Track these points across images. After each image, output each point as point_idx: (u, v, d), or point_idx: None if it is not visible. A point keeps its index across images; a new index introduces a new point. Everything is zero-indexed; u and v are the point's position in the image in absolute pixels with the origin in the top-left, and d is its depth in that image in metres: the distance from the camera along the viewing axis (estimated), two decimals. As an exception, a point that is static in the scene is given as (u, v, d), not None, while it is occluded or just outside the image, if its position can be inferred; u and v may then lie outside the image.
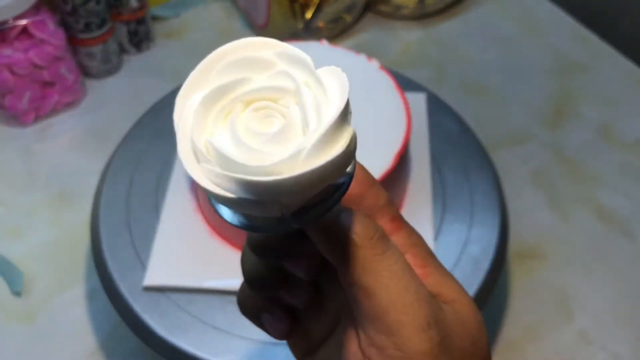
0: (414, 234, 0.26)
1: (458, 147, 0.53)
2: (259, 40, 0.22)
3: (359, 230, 0.23)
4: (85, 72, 0.67)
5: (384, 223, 0.25)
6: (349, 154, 0.20)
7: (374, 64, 0.49)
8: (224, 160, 0.19)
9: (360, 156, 0.44)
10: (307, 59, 0.22)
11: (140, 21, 0.67)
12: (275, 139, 0.19)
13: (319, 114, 0.20)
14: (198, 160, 0.20)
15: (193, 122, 0.21)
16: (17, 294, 0.51)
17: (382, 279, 0.22)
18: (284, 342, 0.28)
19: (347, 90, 0.20)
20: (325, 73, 0.21)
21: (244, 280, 0.27)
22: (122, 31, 0.67)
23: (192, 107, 0.21)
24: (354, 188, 0.23)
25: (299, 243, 0.24)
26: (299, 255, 0.25)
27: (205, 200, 0.47)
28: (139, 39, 0.69)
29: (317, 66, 0.22)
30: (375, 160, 0.43)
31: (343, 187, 0.22)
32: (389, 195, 0.26)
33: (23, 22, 0.56)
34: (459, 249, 0.46)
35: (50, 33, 0.58)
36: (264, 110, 0.21)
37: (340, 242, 0.23)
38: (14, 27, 0.56)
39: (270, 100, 0.21)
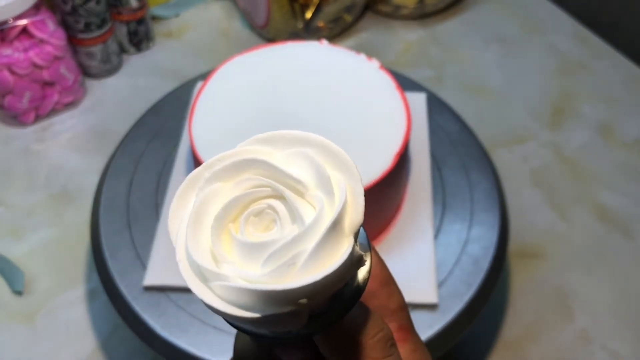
0: (420, 348, 0.24)
1: (458, 147, 0.53)
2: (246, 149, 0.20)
3: (361, 327, 0.21)
4: (86, 72, 0.67)
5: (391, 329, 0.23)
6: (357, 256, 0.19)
7: (374, 64, 0.49)
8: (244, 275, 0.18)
9: (361, 156, 0.44)
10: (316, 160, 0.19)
11: (140, 21, 0.67)
12: (281, 246, 0.18)
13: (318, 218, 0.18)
14: (205, 279, 0.18)
15: (197, 239, 0.19)
16: (18, 293, 0.51)
17: None
18: None
19: (342, 201, 0.18)
20: (336, 174, 0.20)
21: (233, 357, 0.25)
22: (122, 31, 0.67)
23: (201, 224, 0.19)
24: None
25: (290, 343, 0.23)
26: (294, 347, 0.23)
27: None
28: (139, 38, 0.69)
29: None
30: (375, 160, 0.43)
31: (357, 285, 0.20)
32: (404, 300, 0.24)
33: (23, 22, 0.56)
34: (459, 249, 0.46)
35: (50, 33, 0.58)
36: (261, 216, 0.20)
37: (340, 342, 0.21)
38: (14, 27, 0.56)
39: (266, 198, 0.20)
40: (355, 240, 0.19)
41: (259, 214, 0.19)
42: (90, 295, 0.51)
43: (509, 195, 0.53)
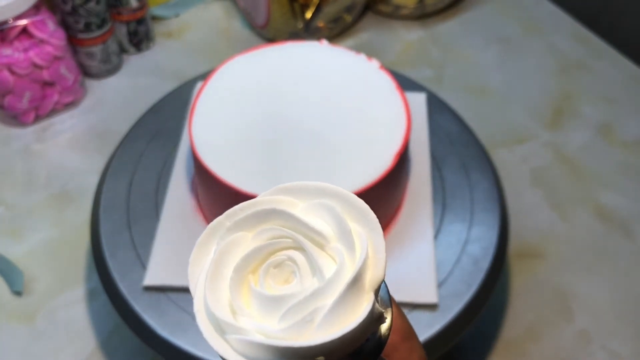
0: None
1: (458, 147, 0.53)
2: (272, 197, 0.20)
3: None
4: (86, 72, 0.67)
5: None
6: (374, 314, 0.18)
7: (374, 64, 0.49)
8: (259, 329, 0.18)
9: (361, 156, 0.44)
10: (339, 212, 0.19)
11: (140, 21, 0.67)
12: (299, 301, 0.18)
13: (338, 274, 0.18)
14: (222, 332, 0.18)
15: (214, 291, 0.19)
16: (18, 293, 0.51)
17: None
18: None
19: (363, 256, 0.18)
20: (359, 227, 0.19)
21: None
22: (122, 31, 0.67)
23: (221, 276, 0.19)
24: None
25: None
26: None
27: (205, 200, 0.47)
28: (139, 38, 0.69)
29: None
30: (375, 160, 0.43)
31: (377, 341, 0.20)
32: (424, 354, 0.24)
33: (23, 22, 0.56)
34: (459, 249, 0.46)
35: (50, 33, 0.58)
36: (281, 268, 0.19)
37: None
38: (14, 27, 0.56)
39: (287, 249, 0.20)
40: (376, 297, 0.18)
41: (278, 265, 0.19)
42: (90, 295, 0.51)
43: (509, 195, 0.53)
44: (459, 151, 0.52)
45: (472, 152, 0.52)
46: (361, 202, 0.19)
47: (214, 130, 0.45)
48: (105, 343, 0.49)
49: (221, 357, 0.18)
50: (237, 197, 0.41)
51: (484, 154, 0.53)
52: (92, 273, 0.52)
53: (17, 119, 0.62)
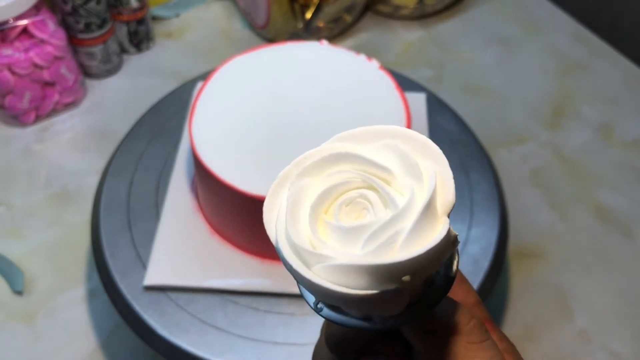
0: (506, 339, 0.24)
1: (458, 147, 0.53)
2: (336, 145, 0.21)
3: (454, 315, 0.21)
4: (86, 72, 0.67)
5: None
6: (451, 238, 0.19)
7: (374, 64, 0.49)
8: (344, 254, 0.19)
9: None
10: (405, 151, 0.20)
11: (141, 21, 0.67)
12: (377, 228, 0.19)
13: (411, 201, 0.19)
14: (309, 265, 0.19)
15: (296, 226, 0.20)
16: (18, 293, 0.51)
17: None
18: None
19: (433, 184, 0.19)
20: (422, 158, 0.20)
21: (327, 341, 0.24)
22: (123, 31, 0.67)
23: (298, 212, 0.20)
24: None
25: (380, 339, 0.23)
26: (380, 354, 0.23)
27: (205, 199, 0.47)
28: (139, 39, 0.69)
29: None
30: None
31: (447, 273, 0.21)
32: (479, 296, 0.25)
33: (23, 22, 0.56)
34: (459, 249, 0.46)
35: (51, 33, 0.58)
36: (353, 205, 0.20)
37: (433, 328, 0.21)
38: (15, 27, 0.56)
39: (359, 187, 0.20)
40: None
41: (350, 203, 0.20)
42: (91, 295, 0.51)
43: (508, 195, 0.53)
44: (458, 151, 0.52)
45: (471, 152, 0.52)
46: (422, 137, 0.20)
47: (214, 130, 0.45)
48: (105, 343, 0.49)
49: (311, 287, 0.19)
50: (237, 197, 0.41)
51: (484, 154, 0.53)
52: (92, 273, 0.52)
53: (17, 119, 0.62)
